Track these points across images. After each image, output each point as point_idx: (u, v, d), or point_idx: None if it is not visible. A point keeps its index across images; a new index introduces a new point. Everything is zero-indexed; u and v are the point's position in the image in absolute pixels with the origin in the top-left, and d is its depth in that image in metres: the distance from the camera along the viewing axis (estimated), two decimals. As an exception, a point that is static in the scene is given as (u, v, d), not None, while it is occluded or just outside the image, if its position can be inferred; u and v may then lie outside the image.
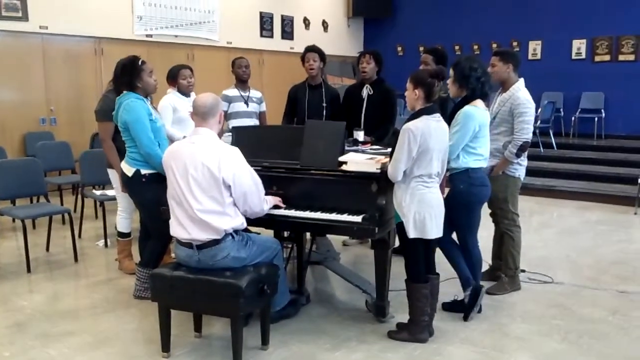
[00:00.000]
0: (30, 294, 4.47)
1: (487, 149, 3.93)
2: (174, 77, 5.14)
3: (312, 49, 5.38)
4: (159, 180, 4.05)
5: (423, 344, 3.55)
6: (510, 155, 4.25)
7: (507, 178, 4.35)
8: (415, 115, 3.43)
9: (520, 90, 4.27)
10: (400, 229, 3.50)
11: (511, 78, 4.32)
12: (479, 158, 3.85)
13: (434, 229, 3.45)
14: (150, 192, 4.02)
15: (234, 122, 5.30)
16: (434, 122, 3.41)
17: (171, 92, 5.15)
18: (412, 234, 3.43)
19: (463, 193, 3.61)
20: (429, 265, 3.67)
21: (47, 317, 3.99)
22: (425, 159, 3.37)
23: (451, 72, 3.91)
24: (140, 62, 4.14)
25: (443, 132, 3.48)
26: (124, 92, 4.13)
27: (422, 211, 3.40)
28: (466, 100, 3.83)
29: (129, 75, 4.12)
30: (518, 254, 4.46)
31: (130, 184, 4.20)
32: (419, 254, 3.56)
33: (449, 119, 3.80)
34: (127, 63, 4.14)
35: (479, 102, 3.83)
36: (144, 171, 4.10)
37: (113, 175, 4.76)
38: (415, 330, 3.58)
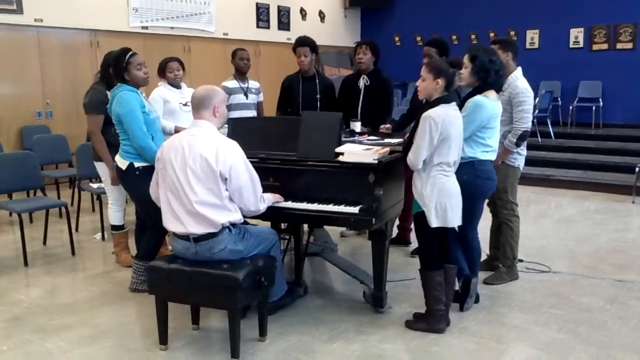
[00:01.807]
0: (28, 288, 4.46)
1: (496, 141, 3.87)
2: (162, 70, 5.13)
3: (302, 42, 5.30)
4: (152, 172, 4.04)
5: (421, 334, 3.55)
6: (510, 144, 4.23)
7: (507, 168, 4.34)
8: (434, 103, 3.43)
9: (518, 79, 4.25)
10: (418, 218, 3.52)
11: (510, 66, 4.30)
12: (488, 149, 3.80)
13: (455, 218, 3.48)
14: (144, 185, 3.99)
15: (234, 114, 5.27)
16: (452, 111, 3.43)
17: (162, 84, 5.14)
18: (434, 223, 3.44)
19: (466, 184, 3.57)
20: (447, 255, 3.66)
21: (45, 310, 3.99)
22: (445, 146, 3.38)
23: (466, 61, 3.80)
24: (128, 55, 4.10)
25: (460, 120, 3.50)
26: (118, 84, 4.11)
27: (444, 200, 3.42)
28: (478, 90, 3.79)
29: (115, 68, 4.09)
30: (516, 244, 4.46)
31: (125, 177, 4.18)
32: (434, 243, 3.57)
33: (459, 107, 3.75)
34: (115, 56, 4.11)
35: (491, 93, 3.76)
36: (137, 164, 4.09)
37: (101, 168, 4.76)
38: (432, 320, 3.60)
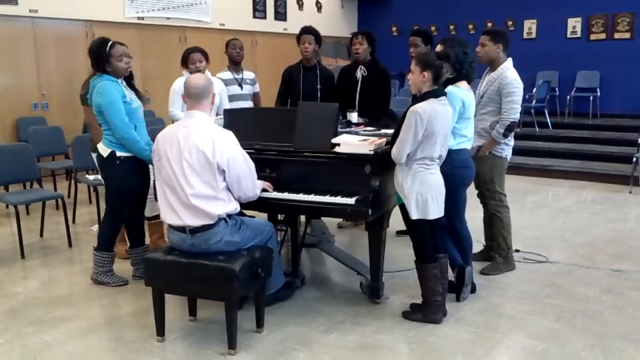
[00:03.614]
0: (24, 280, 4.46)
1: (471, 130, 3.91)
2: (185, 61, 5.06)
3: (307, 30, 5.33)
4: (134, 163, 4.05)
5: (418, 325, 3.56)
6: (497, 135, 4.23)
7: (494, 158, 4.34)
8: (422, 97, 3.40)
9: (508, 70, 4.24)
10: (404, 210, 3.50)
11: (500, 58, 4.29)
12: (463, 139, 3.83)
13: (435, 210, 3.46)
14: (122, 174, 4.02)
15: (230, 105, 5.27)
16: (441, 106, 3.40)
17: (185, 74, 5.07)
18: (414, 215, 3.43)
19: (445, 175, 3.59)
20: (435, 245, 3.66)
21: (42, 302, 3.99)
22: (429, 142, 3.37)
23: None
24: (108, 46, 4.03)
25: (448, 116, 3.48)
26: (97, 74, 4.07)
27: (424, 192, 3.41)
28: (451, 81, 3.80)
29: (95, 59, 4.05)
30: (509, 234, 4.46)
31: (104, 165, 4.13)
32: (424, 235, 3.56)
33: None
34: (94, 47, 4.06)
35: (462, 83, 3.81)
36: (119, 153, 4.04)
37: None
38: (429, 311, 3.60)
